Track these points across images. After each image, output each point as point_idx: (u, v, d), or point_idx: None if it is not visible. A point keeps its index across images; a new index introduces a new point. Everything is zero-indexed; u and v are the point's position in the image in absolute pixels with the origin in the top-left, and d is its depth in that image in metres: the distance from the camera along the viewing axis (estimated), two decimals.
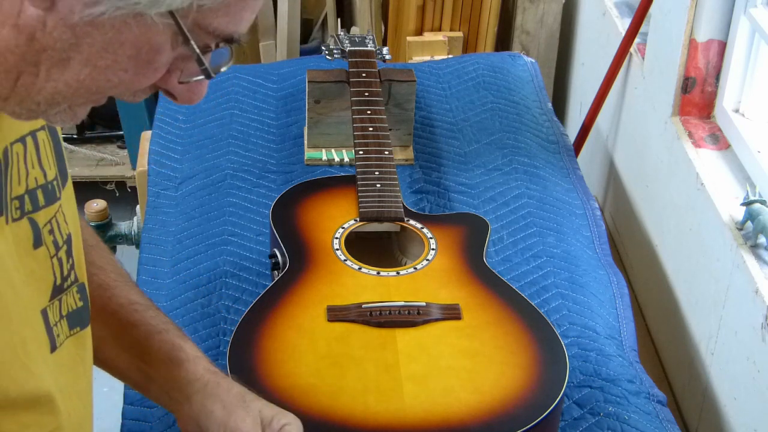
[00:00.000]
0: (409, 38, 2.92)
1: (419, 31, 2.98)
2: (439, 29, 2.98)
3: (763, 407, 1.68)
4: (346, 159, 1.98)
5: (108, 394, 1.90)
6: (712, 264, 1.91)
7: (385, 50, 2.07)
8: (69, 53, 0.70)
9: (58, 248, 0.89)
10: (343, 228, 1.62)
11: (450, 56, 2.78)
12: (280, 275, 1.52)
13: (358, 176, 1.72)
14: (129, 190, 3.06)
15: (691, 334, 2.03)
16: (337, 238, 1.59)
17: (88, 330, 0.96)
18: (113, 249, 2.24)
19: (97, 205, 2.19)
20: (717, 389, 1.90)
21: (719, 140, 2.07)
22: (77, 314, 0.93)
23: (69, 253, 0.91)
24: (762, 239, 1.77)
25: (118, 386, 1.29)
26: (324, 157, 1.99)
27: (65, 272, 0.90)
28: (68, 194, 0.93)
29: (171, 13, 0.69)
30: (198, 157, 2.03)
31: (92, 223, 2.18)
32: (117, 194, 3.09)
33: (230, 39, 0.74)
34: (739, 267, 1.77)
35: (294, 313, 1.43)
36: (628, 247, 2.48)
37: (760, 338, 1.69)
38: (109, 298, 1.10)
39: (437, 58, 2.80)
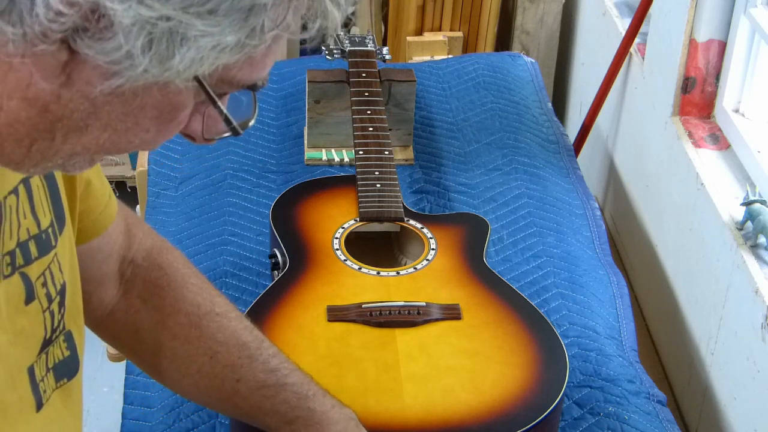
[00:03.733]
0: (409, 38, 2.92)
1: (419, 31, 2.98)
2: (439, 29, 2.98)
3: (763, 407, 1.68)
4: (346, 159, 1.98)
5: (108, 394, 1.90)
6: (712, 264, 1.90)
7: (385, 50, 2.06)
8: (87, 121, 0.67)
9: (51, 300, 0.85)
10: (343, 228, 1.62)
11: (450, 56, 2.78)
12: (280, 275, 1.52)
13: (358, 176, 1.72)
14: (129, 190, 3.06)
15: (691, 334, 2.03)
16: (337, 238, 1.59)
17: (76, 380, 0.91)
18: None
19: None
20: (717, 389, 1.90)
21: (719, 140, 2.07)
22: (64, 365, 0.88)
23: (62, 304, 0.87)
24: (762, 239, 1.77)
25: (118, 386, 1.29)
26: (324, 157, 1.99)
27: (56, 324, 0.86)
28: (66, 238, 0.88)
29: (196, 77, 0.66)
30: (198, 157, 2.03)
31: None
32: (117, 194, 3.08)
33: (253, 86, 0.71)
34: (739, 267, 1.77)
35: (294, 313, 1.43)
36: (628, 247, 2.48)
37: (760, 338, 1.69)
38: (238, 380, 1.06)
39: (437, 58, 2.80)
